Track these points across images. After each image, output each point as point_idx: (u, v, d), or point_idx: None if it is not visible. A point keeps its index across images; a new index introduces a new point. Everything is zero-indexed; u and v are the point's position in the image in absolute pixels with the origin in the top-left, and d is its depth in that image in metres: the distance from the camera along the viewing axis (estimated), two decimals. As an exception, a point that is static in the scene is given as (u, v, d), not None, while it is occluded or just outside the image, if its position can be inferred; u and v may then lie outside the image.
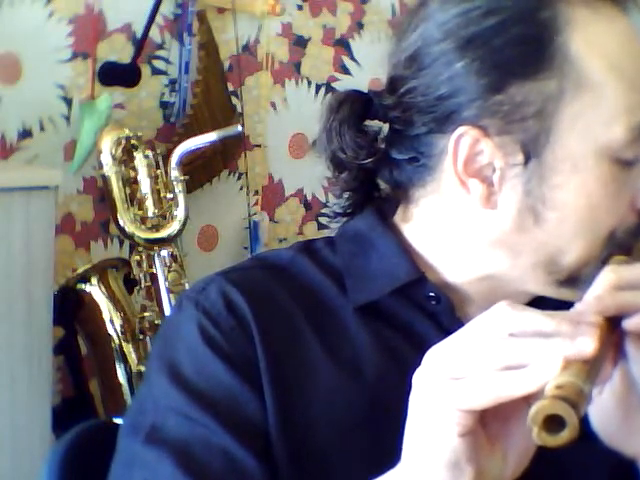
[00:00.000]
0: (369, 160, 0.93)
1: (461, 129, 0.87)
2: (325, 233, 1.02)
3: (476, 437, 0.73)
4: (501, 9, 0.87)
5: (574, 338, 0.70)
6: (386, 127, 0.95)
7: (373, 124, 0.96)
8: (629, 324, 0.77)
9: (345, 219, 0.99)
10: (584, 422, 0.81)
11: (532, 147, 0.86)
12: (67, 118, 2.22)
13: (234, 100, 2.46)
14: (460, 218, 0.91)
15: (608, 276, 0.79)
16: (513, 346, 0.70)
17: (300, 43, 2.62)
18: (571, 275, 0.89)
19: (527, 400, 0.70)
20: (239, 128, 2.14)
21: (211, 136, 2.09)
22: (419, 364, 0.74)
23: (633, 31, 0.90)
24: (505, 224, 0.89)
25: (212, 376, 0.88)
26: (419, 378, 0.73)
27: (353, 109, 0.94)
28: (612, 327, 0.76)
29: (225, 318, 0.90)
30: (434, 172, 0.91)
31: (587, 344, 0.69)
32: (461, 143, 0.87)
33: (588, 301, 0.77)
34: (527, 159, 0.86)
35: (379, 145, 0.95)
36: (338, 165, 0.95)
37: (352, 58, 2.70)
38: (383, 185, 0.98)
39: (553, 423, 0.65)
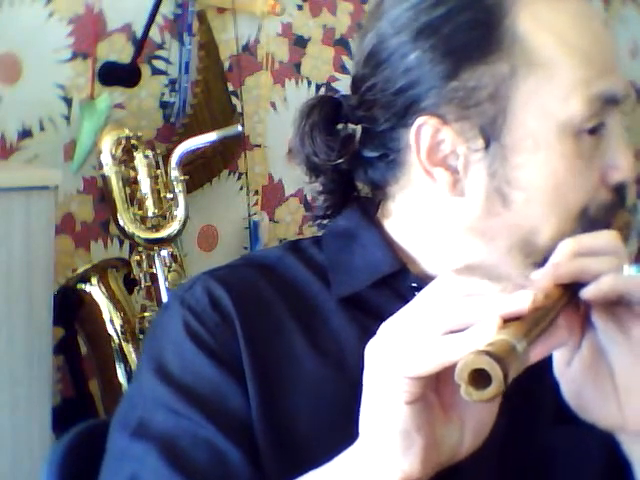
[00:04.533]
0: (341, 161, 0.95)
1: (420, 119, 0.88)
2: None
3: (428, 405, 0.74)
4: None
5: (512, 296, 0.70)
6: (359, 129, 0.97)
7: (349, 128, 0.97)
8: (586, 293, 0.78)
9: (326, 221, 1.01)
10: (567, 407, 0.82)
11: (490, 130, 0.87)
12: (67, 118, 2.22)
13: (234, 100, 2.46)
14: (432, 209, 0.92)
15: (568, 243, 0.79)
16: (454, 308, 0.71)
17: (300, 43, 2.62)
18: (548, 256, 0.89)
19: None
20: (239, 128, 2.14)
21: (211, 136, 2.09)
22: None
23: (584, 6, 0.91)
24: (475, 210, 0.90)
25: (197, 371, 0.90)
26: (370, 349, 0.75)
27: (323, 113, 0.96)
28: (574, 295, 0.77)
29: (209, 314, 0.92)
30: (403, 166, 0.93)
31: (523, 299, 0.69)
32: (422, 133, 0.89)
33: (545, 268, 0.78)
34: (487, 143, 0.88)
35: (354, 146, 0.96)
36: (313, 169, 0.97)
37: (352, 58, 2.70)
38: (362, 186, 1.00)
39: (483, 379, 0.65)
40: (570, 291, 0.77)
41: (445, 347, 0.70)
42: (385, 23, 0.91)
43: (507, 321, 0.69)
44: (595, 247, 0.79)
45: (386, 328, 0.75)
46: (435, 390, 0.75)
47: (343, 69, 2.70)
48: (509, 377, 0.65)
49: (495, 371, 0.65)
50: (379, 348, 0.74)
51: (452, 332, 0.71)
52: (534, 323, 0.70)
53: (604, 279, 0.77)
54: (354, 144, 0.96)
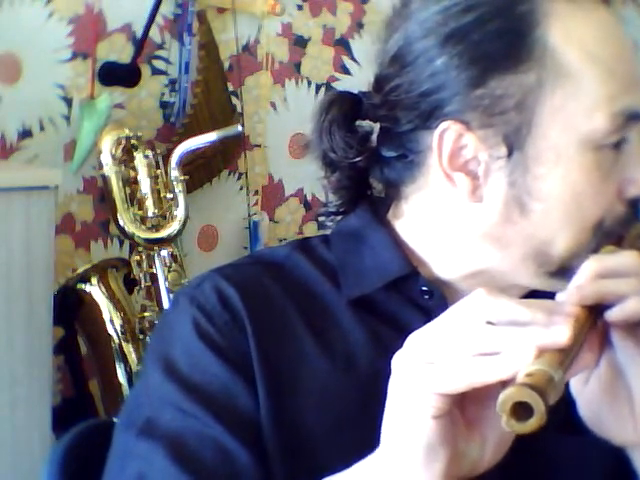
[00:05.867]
0: (358, 159, 0.95)
1: (444, 124, 0.88)
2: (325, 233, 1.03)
3: (452, 420, 0.74)
4: (479, 5, 0.88)
5: (548, 327, 0.71)
6: (378, 127, 0.96)
7: (365, 124, 0.97)
8: (610, 316, 0.78)
9: (339, 217, 1.00)
10: (577, 417, 0.82)
11: (514, 139, 0.87)
12: (67, 118, 2.22)
13: (234, 100, 2.46)
14: (448, 212, 0.92)
15: (590, 265, 0.80)
16: (488, 333, 0.72)
17: (300, 43, 2.61)
18: (562, 266, 0.89)
19: (504, 386, 0.70)
20: (239, 128, 2.14)
21: (211, 136, 2.09)
22: None
23: (612, 21, 0.91)
24: (492, 216, 0.90)
25: (206, 369, 0.89)
26: (398, 361, 0.75)
27: (342, 109, 0.96)
28: (596, 315, 0.77)
29: (219, 313, 0.91)
30: (422, 168, 0.92)
31: (561, 334, 0.70)
32: (445, 138, 0.88)
33: (570, 290, 0.78)
34: (510, 151, 0.87)
35: (371, 144, 0.96)
36: (329, 165, 0.97)
37: (352, 58, 2.70)
38: (376, 184, 1.00)
39: (523, 410, 0.66)
40: (593, 312, 0.77)
41: (479, 369, 0.71)
42: (413, 25, 0.91)
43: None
44: (618, 268, 0.79)
45: (414, 341, 0.75)
46: (459, 406, 0.75)
47: (343, 69, 2.70)
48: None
49: (538, 404, 0.66)
50: (407, 361, 0.74)
51: (483, 354, 0.71)
52: (567, 351, 0.71)
53: (629, 303, 0.78)
54: (371, 142, 0.96)
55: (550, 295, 0.86)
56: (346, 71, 2.70)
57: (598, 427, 0.82)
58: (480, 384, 0.71)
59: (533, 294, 0.92)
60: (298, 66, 2.62)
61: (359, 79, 2.66)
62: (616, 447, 0.84)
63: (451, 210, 0.91)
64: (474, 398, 0.75)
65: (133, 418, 0.91)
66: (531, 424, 0.66)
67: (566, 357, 0.70)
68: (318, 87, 2.66)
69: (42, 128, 2.19)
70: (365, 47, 2.69)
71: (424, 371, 0.72)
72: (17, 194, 1.83)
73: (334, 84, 2.68)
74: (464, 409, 0.75)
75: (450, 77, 0.88)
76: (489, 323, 0.73)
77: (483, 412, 0.76)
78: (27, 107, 2.16)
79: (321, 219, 2.71)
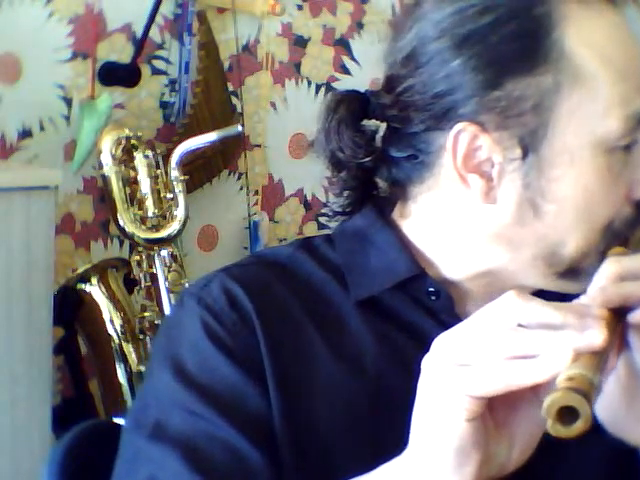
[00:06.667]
0: (367, 159, 0.94)
1: (460, 125, 0.88)
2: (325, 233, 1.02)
3: (483, 423, 0.74)
4: (496, 7, 0.88)
5: (582, 330, 0.71)
6: (384, 126, 0.96)
7: (371, 124, 0.97)
8: (634, 317, 0.78)
9: (344, 218, 1.00)
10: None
11: (530, 141, 0.87)
12: (67, 118, 2.22)
13: (234, 100, 2.46)
14: (460, 213, 0.92)
15: (611, 267, 0.80)
16: (522, 337, 0.71)
17: (300, 43, 2.61)
18: (571, 267, 0.90)
19: (535, 389, 0.71)
20: (239, 128, 2.14)
21: (211, 136, 2.09)
22: (419, 359, 0.75)
23: (620, 22, 0.91)
24: (505, 218, 0.90)
25: (215, 371, 0.89)
26: (428, 364, 0.74)
27: (351, 109, 0.95)
28: (616, 317, 0.77)
29: (228, 313, 0.91)
30: (432, 169, 0.92)
31: (597, 336, 0.70)
32: (460, 139, 0.88)
33: (592, 293, 0.78)
34: (525, 153, 0.87)
35: (377, 144, 0.96)
36: (337, 164, 0.96)
37: (352, 58, 2.70)
38: (381, 183, 0.99)
39: (565, 414, 0.66)
40: (616, 314, 0.77)
41: (516, 371, 0.70)
42: (427, 25, 0.90)
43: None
44: (636, 271, 0.79)
45: (443, 343, 0.74)
46: (489, 409, 0.74)
47: (343, 69, 2.70)
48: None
49: (584, 408, 0.66)
50: (438, 363, 0.74)
51: (518, 357, 0.71)
52: (601, 353, 0.71)
53: None
54: (377, 141, 0.96)
55: (557, 296, 0.87)
56: (346, 71, 2.70)
57: (614, 427, 0.82)
58: (516, 387, 0.70)
59: (539, 294, 0.92)
60: (298, 66, 2.62)
61: (359, 79, 2.66)
62: (620, 443, 0.84)
63: (462, 211, 0.91)
64: (503, 400, 0.74)
65: (142, 420, 0.90)
66: (577, 428, 0.66)
67: (600, 360, 0.70)
68: (318, 87, 2.66)
69: (42, 128, 2.19)
70: (365, 47, 2.69)
71: (457, 373, 0.72)
72: (17, 194, 1.83)
73: (334, 84, 2.68)
74: (493, 411, 0.75)
75: (466, 79, 0.87)
76: (520, 326, 0.72)
77: (511, 414, 0.75)
78: (27, 107, 2.16)
79: (324, 219, 2.72)
